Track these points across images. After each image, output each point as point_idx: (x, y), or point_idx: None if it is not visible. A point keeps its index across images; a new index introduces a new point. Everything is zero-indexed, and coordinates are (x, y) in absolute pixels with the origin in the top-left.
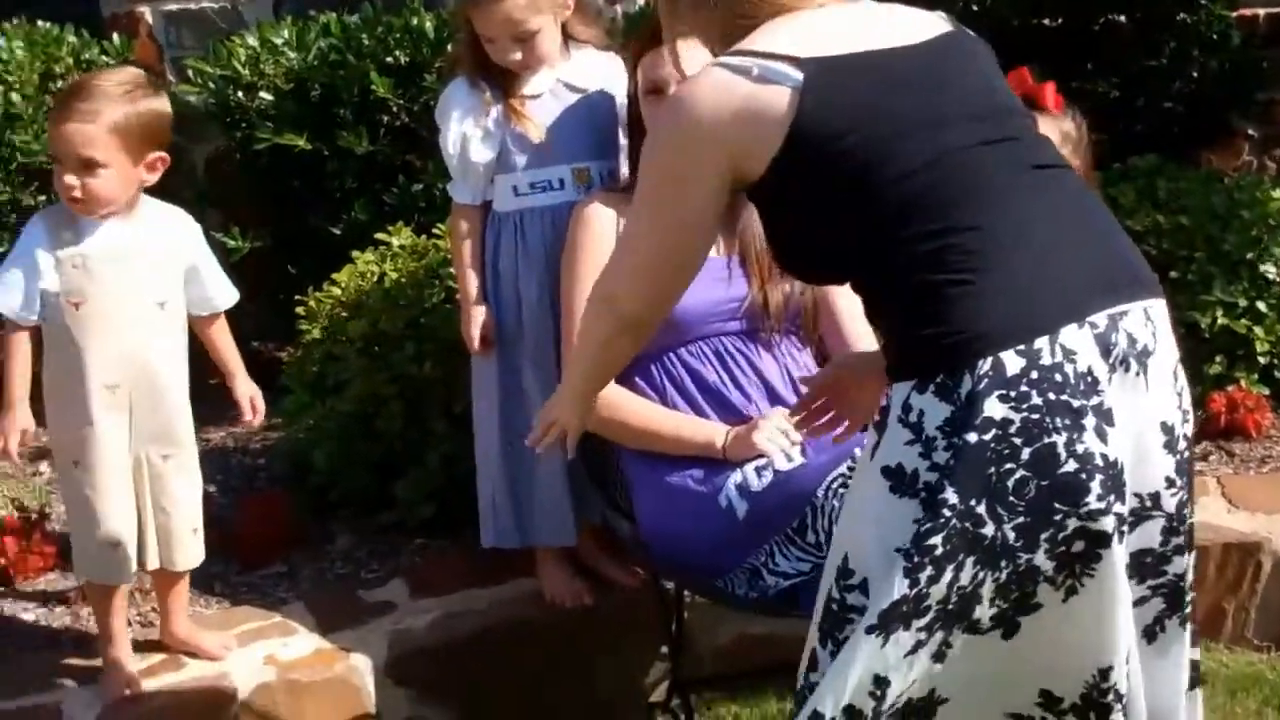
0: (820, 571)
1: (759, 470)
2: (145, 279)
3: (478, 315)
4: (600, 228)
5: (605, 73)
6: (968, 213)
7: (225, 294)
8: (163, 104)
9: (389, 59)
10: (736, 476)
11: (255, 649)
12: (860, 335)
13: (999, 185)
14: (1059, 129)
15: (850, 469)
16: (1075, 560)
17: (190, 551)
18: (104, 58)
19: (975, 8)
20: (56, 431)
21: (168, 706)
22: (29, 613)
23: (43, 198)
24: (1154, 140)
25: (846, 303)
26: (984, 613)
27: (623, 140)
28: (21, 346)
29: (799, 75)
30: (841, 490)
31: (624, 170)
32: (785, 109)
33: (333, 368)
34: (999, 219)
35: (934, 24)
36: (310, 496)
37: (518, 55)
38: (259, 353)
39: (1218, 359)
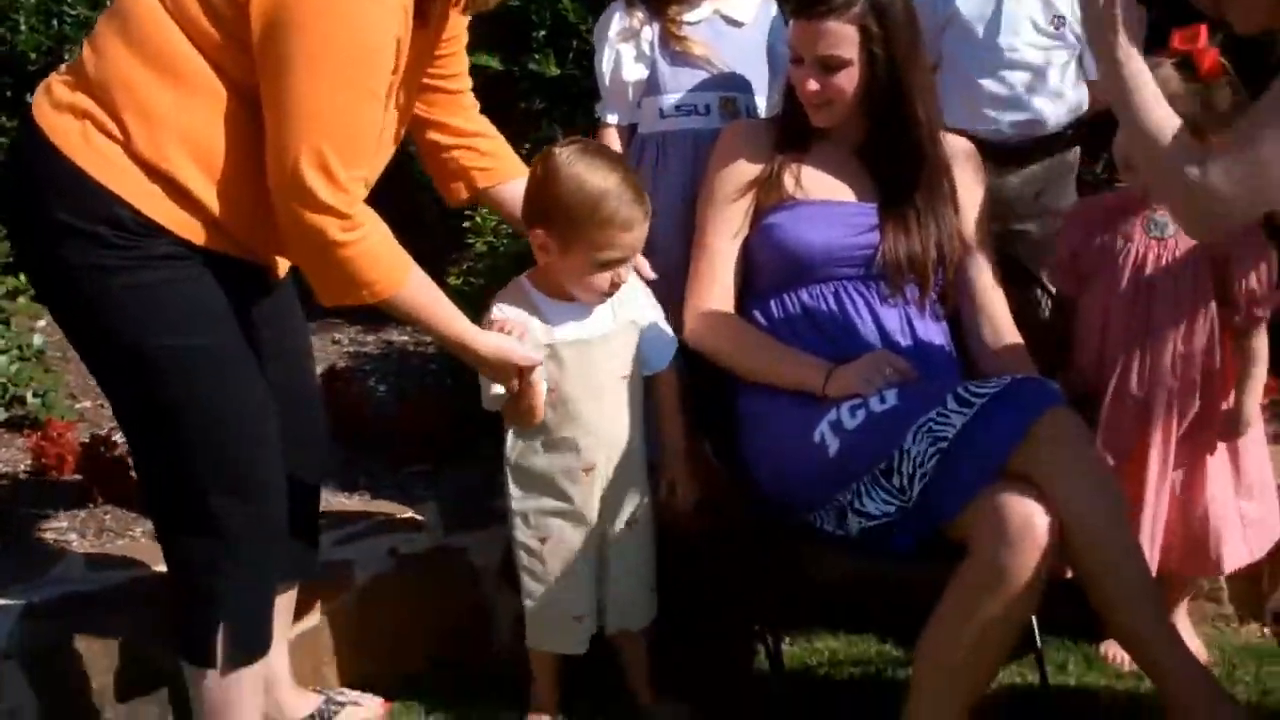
0: (904, 514)
1: (853, 409)
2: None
3: None
4: (742, 156)
5: (760, 12)
6: None
7: (663, 351)
8: None
9: None
10: (832, 414)
11: (381, 541)
12: (996, 311)
13: None
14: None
15: (940, 415)
16: None
17: (648, 609)
18: None
19: None
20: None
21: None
22: None
23: None
24: None
25: (982, 278)
26: None
27: (768, 76)
28: None
29: None
30: (930, 435)
31: (761, 108)
32: None
33: (495, 277)
34: None
35: None
36: (470, 404)
37: None
38: None
39: None
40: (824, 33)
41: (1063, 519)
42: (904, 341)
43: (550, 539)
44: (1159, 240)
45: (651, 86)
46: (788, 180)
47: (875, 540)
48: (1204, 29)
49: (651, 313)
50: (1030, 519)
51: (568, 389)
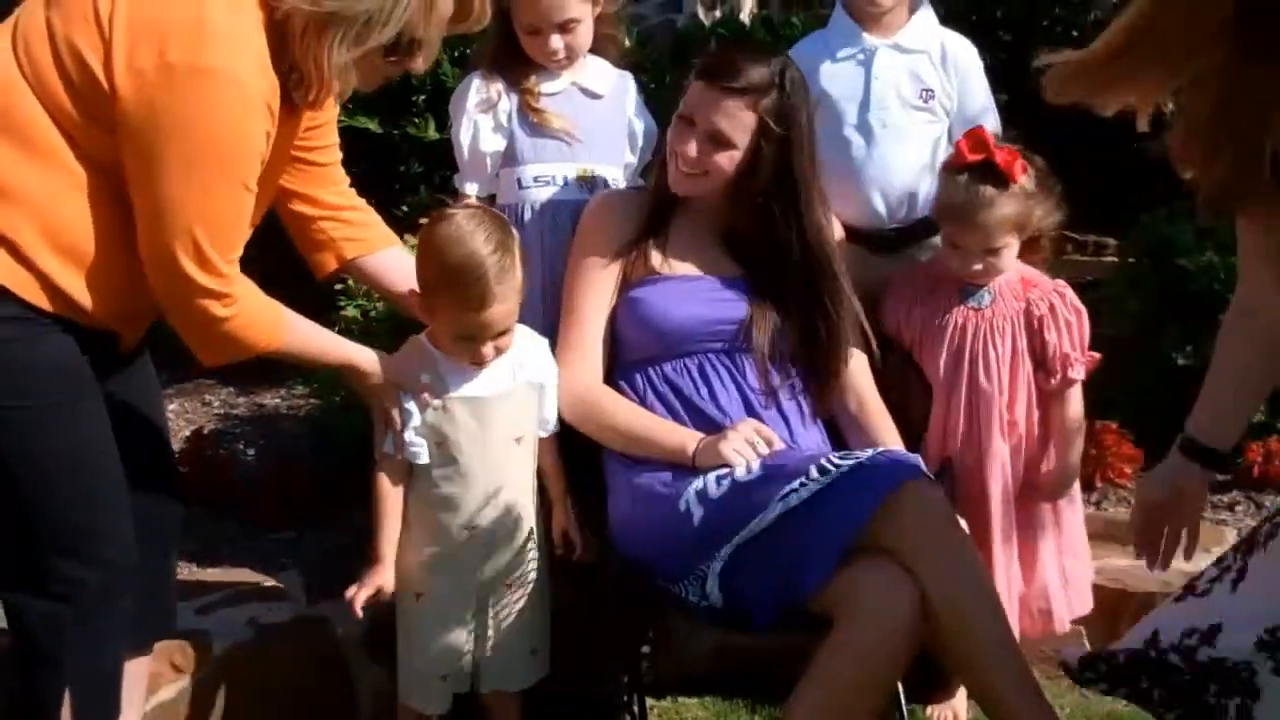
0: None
1: (719, 479)
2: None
3: None
4: (611, 226)
5: (617, 85)
6: None
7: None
8: None
9: (465, 51)
10: (698, 483)
11: (242, 610)
12: (860, 383)
13: None
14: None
15: (803, 484)
16: None
17: (527, 671)
18: None
19: None
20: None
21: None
22: None
23: None
24: None
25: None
26: None
27: (630, 157)
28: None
29: None
30: (794, 503)
31: (619, 180)
32: None
33: (364, 343)
34: None
35: None
36: (336, 468)
37: (559, 45)
38: None
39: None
40: (724, 108)
41: (924, 591)
42: (770, 412)
43: (427, 595)
44: (976, 310)
45: (509, 157)
46: (654, 254)
47: (737, 611)
48: (982, 129)
49: (552, 375)
50: (891, 593)
51: (456, 445)
